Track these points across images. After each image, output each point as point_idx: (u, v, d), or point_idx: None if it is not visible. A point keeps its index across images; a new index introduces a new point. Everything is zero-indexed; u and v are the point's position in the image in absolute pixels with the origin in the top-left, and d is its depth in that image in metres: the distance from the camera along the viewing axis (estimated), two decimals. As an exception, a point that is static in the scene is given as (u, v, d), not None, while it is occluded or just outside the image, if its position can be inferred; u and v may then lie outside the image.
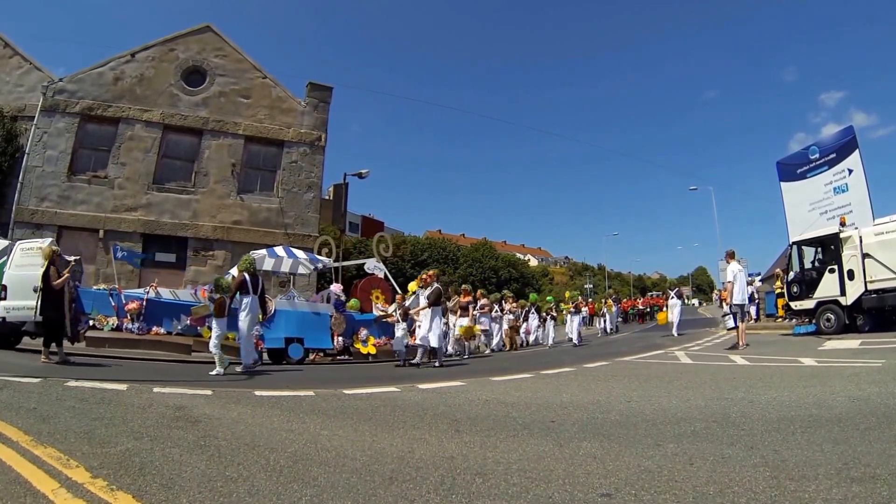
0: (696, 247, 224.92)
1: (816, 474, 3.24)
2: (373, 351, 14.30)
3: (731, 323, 17.76)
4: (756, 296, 22.63)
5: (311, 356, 13.77)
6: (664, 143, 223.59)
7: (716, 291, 64.24)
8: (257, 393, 7.20)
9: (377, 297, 15.77)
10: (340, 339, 14.17)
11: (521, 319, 20.96)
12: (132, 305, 12.51)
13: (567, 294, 22.73)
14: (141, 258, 19.22)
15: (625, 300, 45.82)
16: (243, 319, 10.43)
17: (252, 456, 3.91)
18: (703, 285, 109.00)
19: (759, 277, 30.08)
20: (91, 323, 12.01)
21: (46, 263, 9.84)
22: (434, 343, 12.22)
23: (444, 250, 44.28)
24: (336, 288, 15.39)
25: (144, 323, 12.54)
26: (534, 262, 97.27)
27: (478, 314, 17.15)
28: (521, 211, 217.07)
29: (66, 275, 10.11)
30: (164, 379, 8.30)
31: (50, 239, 13.80)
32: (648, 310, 40.23)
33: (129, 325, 12.39)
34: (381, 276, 17.47)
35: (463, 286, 17.68)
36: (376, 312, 14.94)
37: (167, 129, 21.80)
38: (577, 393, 7.29)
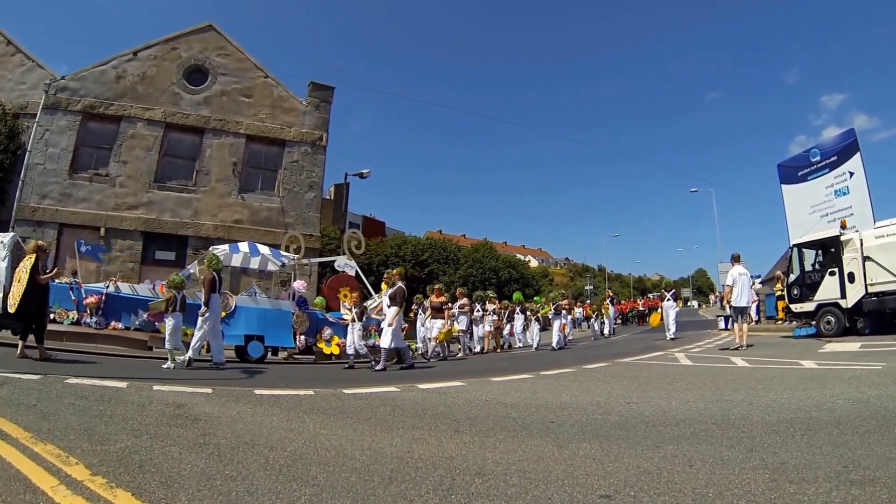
0: (697, 249, 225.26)
1: (816, 477, 3.24)
2: (336, 351, 13.90)
3: (722, 324, 21.46)
4: (756, 298, 22.59)
5: (285, 353, 13.64)
6: (665, 144, 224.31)
7: (716, 293, 64.24)
8: (257, 392, 7.20)
9: (345, 296, 15.43)
10: (303, 337, 13.88)
11: (506, 320, 20.09)
12: (91, 300, 12.56)
13: (552, 294, 21.11)
14: (105, 253, 19.16)
15: (623, 301, 45.71)
16: (211, 318, 10.45)
17: (251, 454, 3.92)
18: (703, 287, 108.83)
19: (760, 279, 30.11)
20: (52, 316, 11.95)
21: (33, 258, 9.51)
22: (394, 344, 11.70)
23: (445, 250, 44.19)
24: (299, 285, 15.04)
25: (103, 317, 12.57)
26: (534, 263, 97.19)
27: (456, 313, 16.57)
28: (521, 212, 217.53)
29: (58, 270, 9.99)
30: (164, 377, 8.30)
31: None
32: (648, 311, 40.16)
33: (88, 320, 12.42)
34: (352, 273, 17.18)
35: (437, 286, 16.63)
36: (343, 311, 14.42)
37: (169, 127, 21.80)
38: (577, 394, 7.29)
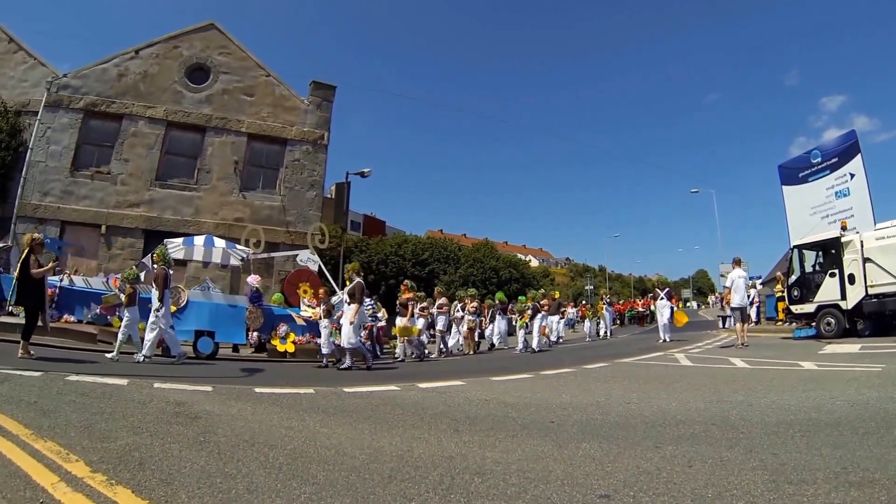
0: (697, 249, 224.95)
1: (815, 478, 3.24)
2: (290, 349, 13.42)
3: (721, 324, 21.49)
4: (756, 299, 22.61)
5: (251, 350, 13.34)
6: (665, 145, 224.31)
7: (716, 293, 64.19)
8: (257, 390, 7.20)
9: (304, 292, 15.00)
10: (255, 334, 13.40)
11: (488, 320, 19.42)
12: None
13: (531, 293, 19.38)
14: (60, 246, 19.17)
15: (621, 301, 45.54)
16: (164, 313, 10.45)
17: (251, 453, 3.92)
18: (703, 288, 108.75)
19: (760, 281, 30.09)
20: (10, 310, 11.95)
21: (26, 251, 9.24)
22: (349, 342, 11.18)
23: (446, 250, 44.06)
24: (253, 280, 14.40)
25: (56, 310, 12.51)
26: (535, 263, 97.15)
27: (435, 313, 16.00)
28: (522, 211, 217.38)
29: (53, 264, 9.64)
30: (164, 375, 8.31)
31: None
32: (648, 312, 40.03)
33: None
34: (315, 268, 16.66)
35: (404, 282, 16.24)
36: (303, 308, 14.29)
37: (170, 125, 21.86)
38: (577, 394, 7.29)
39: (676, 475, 3.40)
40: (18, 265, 9.21)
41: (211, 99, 22.51)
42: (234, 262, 16.09)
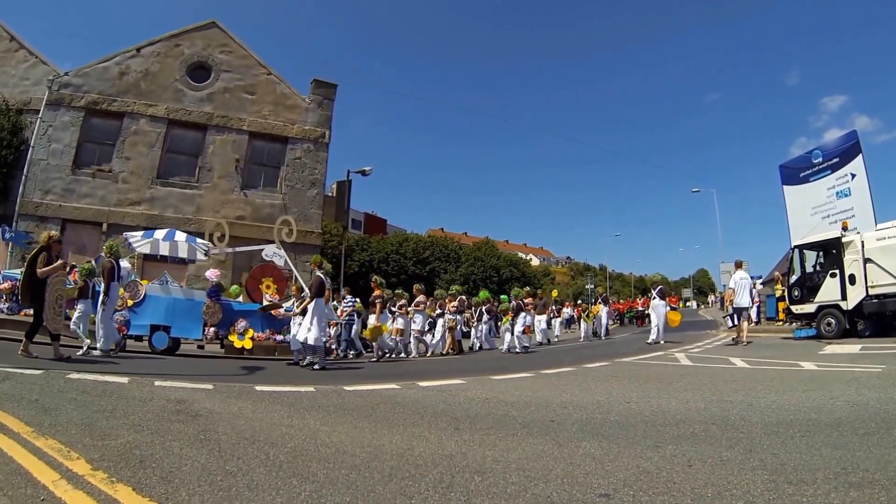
0: (698, 249, 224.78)
1: (815, 478, 3.24)
2: (248, 345, 13.08)
3: (729, 322, 20.89)
4: (757, 299, 22.62)
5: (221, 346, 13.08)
6: (666, 145, 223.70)
7: (716, 293, 64.16)
8: (258, 388, 7.22)
9: (267, 287, 14.74)
10: (212, 329, 13.11)
11: (475, 319, 19.03)
12: (5, 286, 12.63)
13: (513, 290, 18.14)
14: (28, 240, 19.19)
15: (620, 301, 45.46)
16: (108, 306, 10.49)
17: (252, 451, 3.93)
18: (704, 287, 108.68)
19: (761, 280, 30.06)
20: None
21: (37, 248, 8.97)
22: (309, 340, 10.81)
23: (446, 248, 44.25)
24: (212, 274, 14.28)
25: (16, 304, 12.61)
26: (535, 262, 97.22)
27: (412, 311, 15.44)
28: (523, 211, 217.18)
29: (60, 263, 9.23)
30: (165, 373, 8.33)
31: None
32: (648, 311, 39.79)
33: (2, 306, 12.56)
34: (281, 263, 16.08)
35: (373, 278, 15.56)
36: (265, 303, 13.97)
37: (172, 123, 21.87)
38: (577, 393, 7.29)
39: (676, 474, 3.41)
40: (26, 264, 8.99)
41: (212, 97, 22.52)
42: (200, 256, 15.77)
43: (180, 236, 15.06)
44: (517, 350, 15.69)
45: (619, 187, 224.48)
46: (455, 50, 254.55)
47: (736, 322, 16.46)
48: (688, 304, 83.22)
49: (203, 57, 22.81)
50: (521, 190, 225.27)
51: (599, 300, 26.26)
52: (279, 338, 13.45)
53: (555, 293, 34.76)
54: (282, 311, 13.70)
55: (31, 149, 20.15)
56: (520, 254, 76.29)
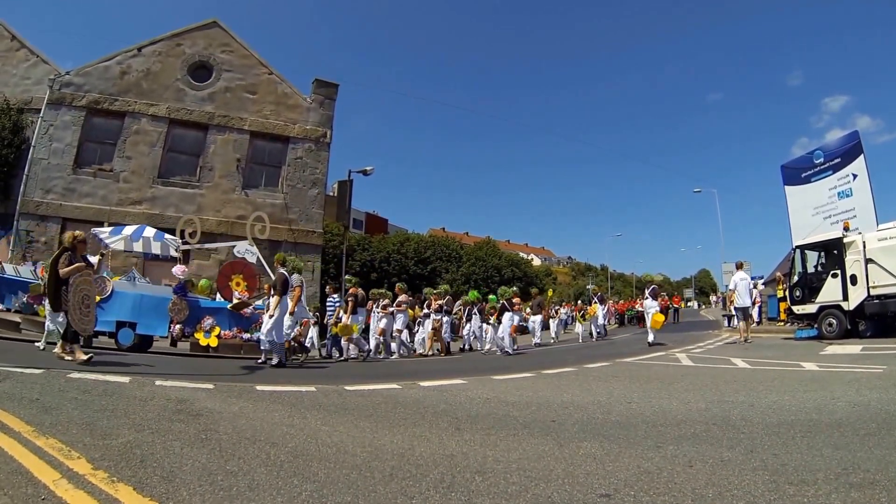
0: (700, 249, 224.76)
1: (816, 479, 3.24)
2: (214, 343, 12.90)
3: (726, 322, 21.79)
4: (758, 299, 22.63)
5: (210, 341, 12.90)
6: (668, 145, 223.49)
7: (718, 293, 64.15)
8: (259, 388, 7.22)
9: (237, 284, 14.44)
10: (178, 326, 13.00)
11: (465, 319, 18.83)
12: None
13: (500, 289, 17.33)
14: (29, 239, 19.17)
15: (619, 301, 45.37)
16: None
17: (253, 450, 3.93)
18: (705, 287, 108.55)
19: (762, 281, 30.04)
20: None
21: (61, 248, 8.78)
22: (273, 336, 10.76)
23: (448, 248, 44.20)
24: (179, 270, 13.93)
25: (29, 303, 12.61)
26: (537, 262, 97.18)
27: (393, 311, 15.13)
28: (524, 210, 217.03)
29: (80, 265, 8.92)
30: (166, 372, 8.33)
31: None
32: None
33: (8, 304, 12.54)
34: (253, 260, 15.77)
35: (347, 277, 15.52)
36: (234, 300, 13.77)
37: (173, 123, 21.88)
38: (578, 393, 7.29)
39: (677, 475, 3.41)
40: (49, 265, 8.80)
41: (213, 97, 22.53)
42: (173, 253, 15.66)
43: (149, 232, 14.99)
44: (498, 352, 15.19)
45: (620, 187, 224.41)
46: (456, 49, 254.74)
47: (735, 323, 16.69)
48: (689, 304, 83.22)
49: (204, 56, 22.82)
50: (523, 190, 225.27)
51: (595, 300, 25.46)
52: (246, 336, 13.27)
53: (550, 292, 34.65)
54: (248, 310, 13.54)
55: (32, 148, 20.17)
56: (521, 254, 76.23)
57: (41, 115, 20.44)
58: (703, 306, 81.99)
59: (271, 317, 10.80)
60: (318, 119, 23.81)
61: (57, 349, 8.60)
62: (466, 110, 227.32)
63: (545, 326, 28.55)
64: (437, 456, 3.94)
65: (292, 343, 12.07)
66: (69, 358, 8.34)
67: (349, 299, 14.01)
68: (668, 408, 5.90)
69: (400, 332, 15.45)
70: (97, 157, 21.13)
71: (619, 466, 3.64)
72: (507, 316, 15.56)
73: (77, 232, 9.47)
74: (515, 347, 16.27)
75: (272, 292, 11.30)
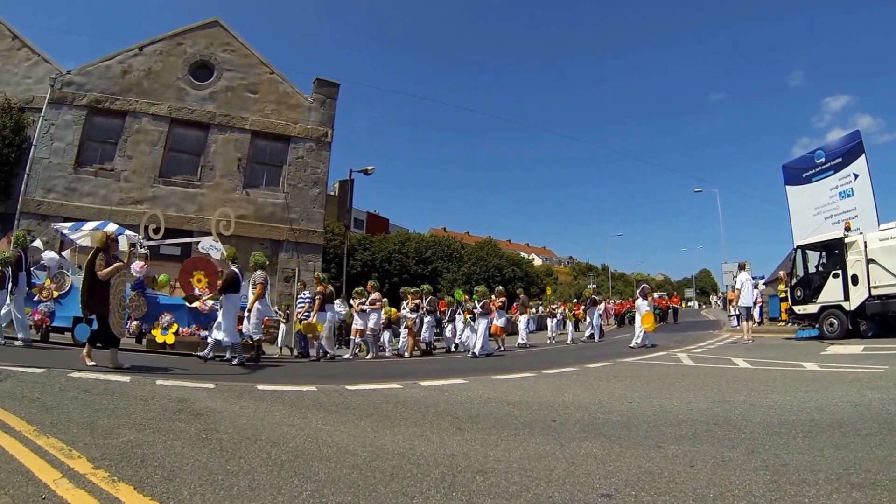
0: (700, 249, 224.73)
1: (817, 479, 3.24)
2: (170, 340, 12.56)
3: (734, 322, 21.26)
4: (760, 299, 22.66)
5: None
6: (669, 145, 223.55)
7: (719, 294, 64.10)
8: (260, 387, 7.23)
9: (199, 281, 14.12)
10: (135, 323, 12.74)
11: (447, 320, 18.50)
12: None
13: (479, 288, 16.24)
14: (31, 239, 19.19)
15: (618, 301, 45.23)
16: (17, 296, 10.58)
17: (253, 450, 3.93)
18: (706, 287, 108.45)
19: (763, 281, 30.04)
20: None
21: (94, 250, 8.49)
22: (219, 336, 10.65)
23: (449, 248, 44.23)
24: (137, 266, 13.31)
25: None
26: (538, 262, 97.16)
27: (367, 310, 14.68)
28: (525, 210, 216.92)
29: (119, 264, 8.67)
30: (167, 371, 8.33)
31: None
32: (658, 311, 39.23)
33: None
34: (218, 256, 14.99)
35: (316, 274, 15.13)
36: (185, 296, 13.56)
37: (174, 122, 21.85)
38: (579, 393, 7.29)
39: (678, 475, 3.40)
40: (85, 267, 8.52)
41: (214, 96, 22.50)
42: (142, 250, 15.13)
43: (111, 227, 14.40)
44: (475, 353, 14.47)
45: (621, 187, 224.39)
46: (458, 49, 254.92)
47: (738, 323, 16.83)
48: (690, 304, 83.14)
49: (205, 56, 22.80)
50: (524, 189, 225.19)
51: (588, 300, 23.98)
52: (204, 334, 12.95)
53: (549, 291, 34.60)
54: (206, 306, 13.32)
55: (33, 147, 20.15)
56: (522, 253, 76.23)
57: (42, 114, 20.42)
58: (704, 306, 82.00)
59: (220, 316, 10.73)
60: (320, 118, 23.78)
61: (84, 353, 8.29)
62: (468, 110, 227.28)
63: (543, 327, 28.53)
64: (438, 455, 3.94)
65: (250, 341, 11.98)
66: (91, 363, 8.11)
67: (317, 296, 13.77)
68: (669, 408, 5.90)
69: (373, 331, 14.91)
70: (98, 156, 21.11)
71: (621, 466, 3.63)
72: (485, 318, 15.01)
73: (108, 231, 9.36)
74: (499, 347, 16.36)
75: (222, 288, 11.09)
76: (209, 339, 11.32)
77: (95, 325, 8.53)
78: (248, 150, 22.56)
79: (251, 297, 11.55)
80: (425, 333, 16.50)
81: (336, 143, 24.24)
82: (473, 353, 14.54)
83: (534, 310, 31.40)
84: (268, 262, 12.79)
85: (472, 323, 16.07)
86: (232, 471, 3.42)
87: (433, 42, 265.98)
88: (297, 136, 23.23)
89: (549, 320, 25.58)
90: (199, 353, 11.14)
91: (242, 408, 5.67)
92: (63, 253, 15.96)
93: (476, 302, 15.44)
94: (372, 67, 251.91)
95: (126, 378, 7.01)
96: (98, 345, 8.47)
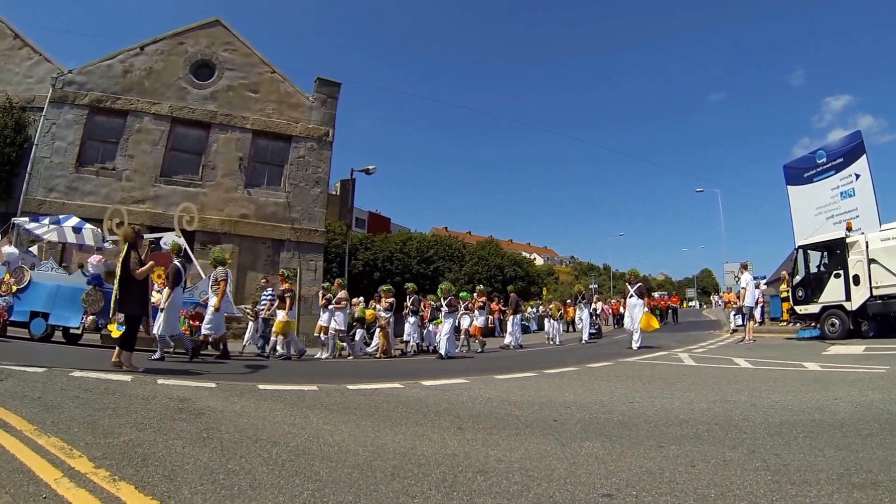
0: (702, 248, 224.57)
1: (818, 479, 3.23)
2: None
3: (738, 321, 21.01)
4: (761, 299, 22.66)
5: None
6: (671, 144, 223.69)
7: (720, 293, 64.01)
8: (261, 386, 7.23)
9: (158, 276, 13.53)
10: (90, 318, 12.56)
11: (428, 319, 17.42)
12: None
13: (444, 285, 15.59)
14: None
15: (620, 301, 44.99)
16: None
17: (254, 449, 3.93)
18: (708, 287, 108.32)
19: (765, 281, 30.03)
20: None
21: (126, 248, 8.15)
22: (166, 331, 10.54)
23: (450, 247, 44.16)
24: (94, 260, 13.19)
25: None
26: (539, 262, 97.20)
27: (332, 309, 14.33)
28: (527, 210, 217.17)
29: (152, 263, 8.56)
30: (168, 371, 8.34)
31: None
32: (658, 312, 39.04)
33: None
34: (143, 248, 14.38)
35: (281, 270, 14.85)
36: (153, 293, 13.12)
37: (175, 122, 21.87)
38: (580, 393, 7.28)
39: (679, 475, 3.40)
40: (119, 265, 8.16)
41: (216, 95, 22.52)
42: (108, 245, 15.21)
43: (71, 221, 14.71)
44: (442, 354, 13.97)
45: (623, 187, 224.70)
46: (459, 48, 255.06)
47: (745, 321, 16.92)
48: (691, 304, 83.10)
49: (207, 55, 22.81)
50: (526, 189, 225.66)
51: (579, 298, 22.90)
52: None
53: (545, 292, 34.50)
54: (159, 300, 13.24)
55: (34, 146, 20.17)
56: (524, 253, 76.20)
57: (44, 113, 20.44)
58: (705, 306, 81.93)
59: (162, 310, 10.60)
60: (321, 118, 23.80)
61: (115, 358, 8.11)
62: (469, 109, 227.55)
63: (540, 327, 28.44)
64: (439, 455, 3.93)
65: (207, 339, 11.99)
66: (128, 366, 7.98)
67: (287, 295, 13.54)
68: (670, 407, 5.89)
69: (338, 331, 14.45)
70: (100, 155, 21.12)
71: (622, 466, 3.63)
72: (451, 316, 14.61)
73: (136, 226, 9.25)
74: (480, 350, 16.29)
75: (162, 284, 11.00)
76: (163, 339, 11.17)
77: (122, 327, 8.46)
78: (249, 149, 22.57)
79: (212, 296, 11.61)
80: (412, 335, 16.12)
81: (337, 143, 24.28)
82: (440, 353, 14.12)
83: (533, 310, 31.47)
84: (228, 259, 12.73)
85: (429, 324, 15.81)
86: (233, 470, 3.42)
87: (434, 42, 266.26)
88: (299, 136, 23.25)
89: (545, 320, 25.38)
90: (152, 357, 10.65)
91: (243, 407, 5.67)
92: (31, 248, 15.92)
93: (441, 299, 14.96)
94: (373, 67, 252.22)
95: (127, 377, 7.02)
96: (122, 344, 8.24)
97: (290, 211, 22.59)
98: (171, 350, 11.41)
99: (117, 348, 8.22)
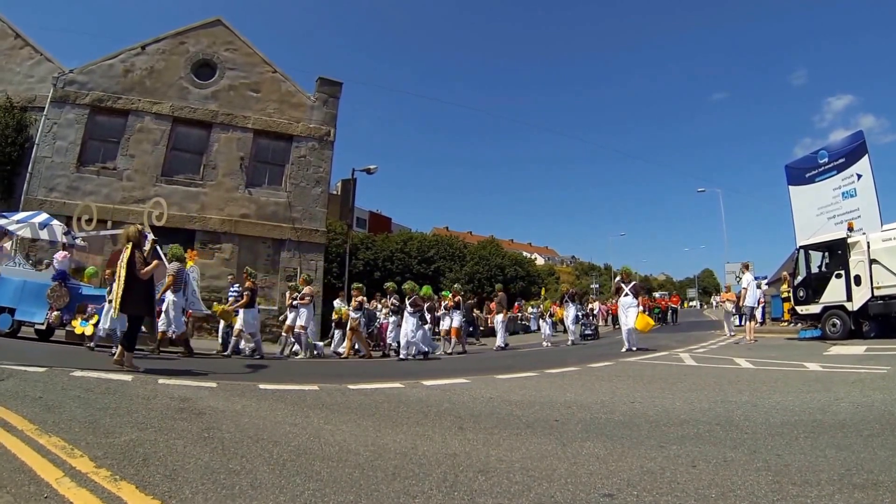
0: (703, 248, 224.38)
1: (819, 480, 3.23)
2: (90, 332, 11.98)
3: (736, 322, 20.98)
4: (762, 299, 22.64)
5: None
6: (672, 144, 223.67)
7: (721, 294, 64.02)
8: (262, 386, 7.23)
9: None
10: (55, 314, 12.42)
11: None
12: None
13: (408, 284, 14.88)
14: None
15: (614, 301, 44.65)
16: None
17: (255, 449, 3.93)
18: (709, 287, 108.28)
19: (766, 281, 30.01)
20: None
21: (129, 247, 8.09)
22: (116, 325, 10.38)
23: (451, 247, 44.18)
24: (60, 256, 13.05)
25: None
26: (540, 261, 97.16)
27: (296, 305, 14.29)
28: (528, 209, 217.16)
29: (157, 263, 8.43)
30: (169, 371, 8.34)
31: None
32: (648, 311, 38.75)
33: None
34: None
35: (245, 269, 14.73)
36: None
37: (176, 121, 21.85)
38: (582, 392, 7.28)
39: (680, 475, 3.40)
40: (123, 265, 8.04)
41: (217, 95, 22.49)
42: (79, 242, 15.27)
43: (38, 218, 14.55)
44: (400, 356, 13.76)
45: (623, 187, 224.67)
46: (460, 48, 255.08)
47: (746, 321, 16.95)
48: (692, 304, 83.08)
49: (208, 55, 22.79)
50: (526, 189, 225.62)
51: (566, 298, 22.25)
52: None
53: (543, 292, 34.42)
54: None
55: (35, 146, 20.15)
56: (524, 253, 76.19)
57: (45, 113, 20.42)
58: (705, 306, 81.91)
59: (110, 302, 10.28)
60: (322, 117, 23.77)
61: (116, 356, 8.07)
62: (470, 109, 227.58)
63: (537, 327, 28.30)
64: (440, 455, 3.93)
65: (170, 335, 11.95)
66: (129, 366, 7.90)
67: (245, 293, 13.32)
68: (671, 407, 5.89)
69: (303, 328, 14.25)
70: (101, 155, 21.10)
71: (623, 466, 3.63)
72: (415, 315, 13.99)
73: (139, 225, 9.12)
74: (462, 351, 16.12)
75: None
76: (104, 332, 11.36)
77: (125, 326, 8.41)
78: (250, 148, 22.54)
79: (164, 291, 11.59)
80: (391, 335, 15.52)
81: (338, 143, 24.24)
82: (406, 354, 13.71)
83: (534, 309, 31.36)
84: (185, 255, 12.71)
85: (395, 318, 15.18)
86: (234, 470, 3.42)
87: (434, 42, 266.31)
88: (300, 135, 23.22)
89: (541, 321, 25.22)
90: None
91: (244, 407, 5.68)
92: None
93: (406, 299, 14.41)
94: (373, 67, 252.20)
95: (128, 377, 7.02)
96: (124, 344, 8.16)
97: (291, 211, 22.56)
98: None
99: (119, 347, 8.19)
